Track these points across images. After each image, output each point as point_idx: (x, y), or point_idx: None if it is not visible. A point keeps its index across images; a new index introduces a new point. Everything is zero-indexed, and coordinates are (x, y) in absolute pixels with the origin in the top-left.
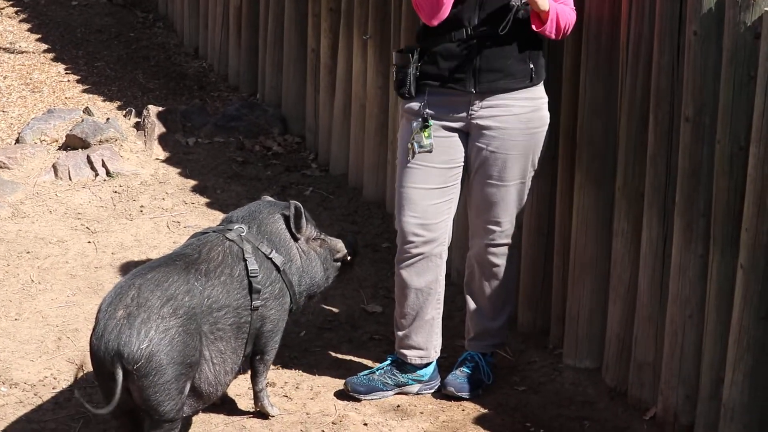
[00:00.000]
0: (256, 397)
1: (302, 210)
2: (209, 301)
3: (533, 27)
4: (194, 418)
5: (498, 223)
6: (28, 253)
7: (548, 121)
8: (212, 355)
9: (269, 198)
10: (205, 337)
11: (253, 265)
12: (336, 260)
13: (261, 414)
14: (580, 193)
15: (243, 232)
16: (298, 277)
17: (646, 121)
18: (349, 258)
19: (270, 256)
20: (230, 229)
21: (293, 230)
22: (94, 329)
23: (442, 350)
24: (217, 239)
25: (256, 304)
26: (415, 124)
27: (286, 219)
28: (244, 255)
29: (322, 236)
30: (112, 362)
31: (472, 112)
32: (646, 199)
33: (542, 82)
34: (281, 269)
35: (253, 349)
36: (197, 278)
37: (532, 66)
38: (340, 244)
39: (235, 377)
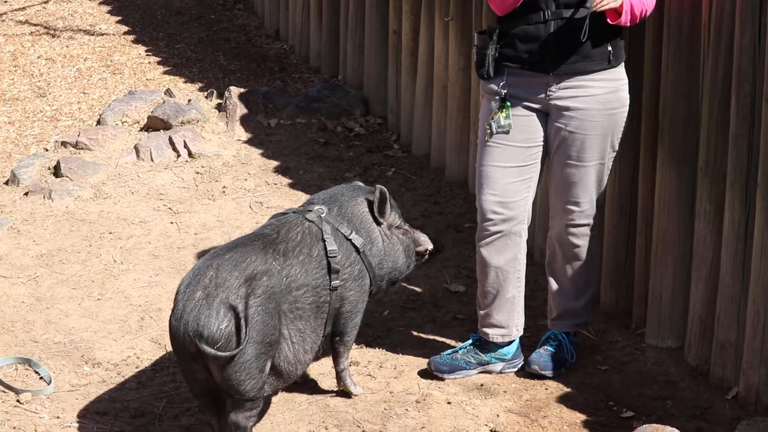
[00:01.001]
0: (339, 377)
1: (387, 195)
2: (288, 281)
3: (609, 21)
4: (278, 398)
5: (577, 204)
6: (110, 233)
7: (628, 102)
8: (291, 334)
9: (358, 183)
10: (285, 316)
11: (332, 246)
12: (418, 253)
13: (344, 393)
14: (662, 174)
15: (323, 213)
16: (378, 260)
17: (727, 101)
18: (430, 254)
19: (350, 237)
20: (310, 210)
21: (376, 214)
22: (173, 310)
23: (525, 329)
24: (296, 220)
25: (335, 284)
26: (493, 104)
27: (370, 203)
28: (323, 235)
29: (406, 226)
30: (192, 343)
31: (550, 93)
32: (728, 180)
33: (622, 63)
34: (361, 250)
35: (333, 329)
36: (275, 258)
37: (610, 48)
38: (423, 238)
39: (315, 357)
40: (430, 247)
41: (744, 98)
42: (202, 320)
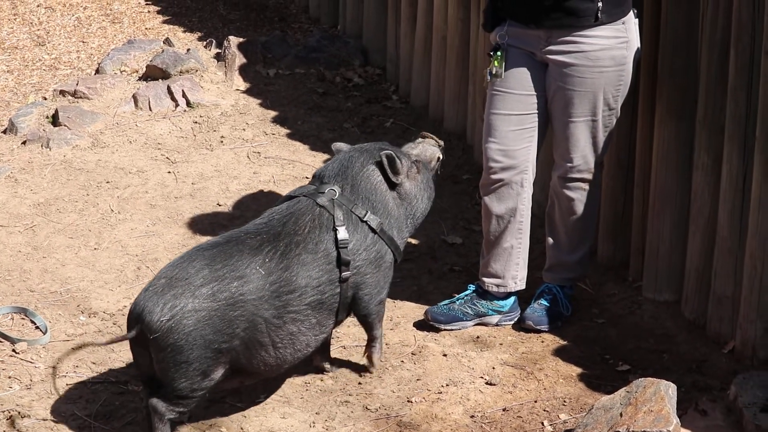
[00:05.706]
0: (369, 344)
1: (395, 157)
2: (276, 286)
3: None
4: None
5: (569, 159)
6: (107, 182)
7: (625, 61)
8: (276, 340)
9: (365, 146)
10: (267, 323)
11: (343, 235)
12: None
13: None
14: (660, 126)
15: (335, 195)
16: (397, 230)
17: (726, 54)
18: (441, 158)
19: (365, 219)
20: (322, 192)
21: (391, 178)
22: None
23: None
24: (306, 207)
25: (345, 276)
26: (491, 52)
27: (381, 167)
28: (334, 224)
29: (414, 157)
30: (134, 323)
31: (543, 48)
32: (726, 133)
33: (623, 22)
34: (378, 230)
35: (354, 311)
36: (267, 259)
37: (600, 5)
38: (430, 152)
39: (313, 350)
40: (441, 155)
41: (743, 51)
42: (149, 306)
